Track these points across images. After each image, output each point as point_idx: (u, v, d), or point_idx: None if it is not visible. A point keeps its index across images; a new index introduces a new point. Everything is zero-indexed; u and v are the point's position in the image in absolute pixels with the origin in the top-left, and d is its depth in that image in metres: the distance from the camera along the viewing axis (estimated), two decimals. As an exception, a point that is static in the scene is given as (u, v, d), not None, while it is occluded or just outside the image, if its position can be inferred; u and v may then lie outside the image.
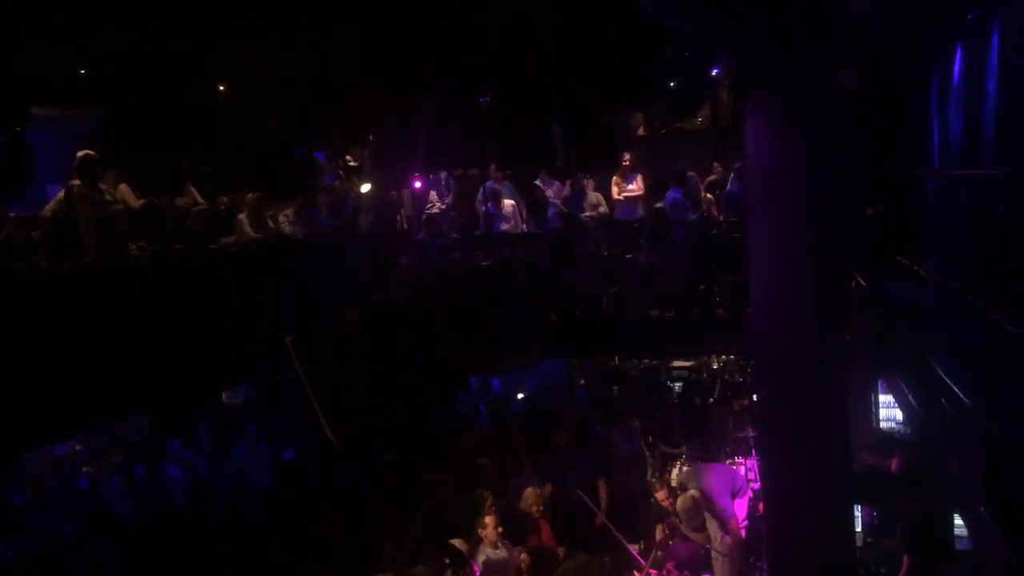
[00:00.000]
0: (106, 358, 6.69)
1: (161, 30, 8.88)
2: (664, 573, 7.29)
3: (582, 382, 13.72)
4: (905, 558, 6.19)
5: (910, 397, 5.06)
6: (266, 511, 9.29)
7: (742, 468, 8.30)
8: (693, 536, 7.72)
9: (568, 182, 11.70)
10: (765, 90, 5.32)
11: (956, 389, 3.91)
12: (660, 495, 8.01)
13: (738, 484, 7.93)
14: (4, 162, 6.66)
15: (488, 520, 7.19)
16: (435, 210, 12.35)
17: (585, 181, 11.43)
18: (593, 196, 11.39)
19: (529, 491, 7.91)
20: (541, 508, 7.84)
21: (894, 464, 6.89)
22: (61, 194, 7.55)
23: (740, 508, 7.82)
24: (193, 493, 10.07)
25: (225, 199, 9.72)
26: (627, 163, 11.41)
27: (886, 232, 7.47)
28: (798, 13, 5.05)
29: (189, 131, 10.30)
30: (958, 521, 6.08)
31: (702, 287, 9.58)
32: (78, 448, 11.14)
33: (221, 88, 11.06)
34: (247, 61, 10.36)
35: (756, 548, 7.43)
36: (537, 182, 11.80)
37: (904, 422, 8.21)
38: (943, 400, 4.23)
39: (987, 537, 3.25)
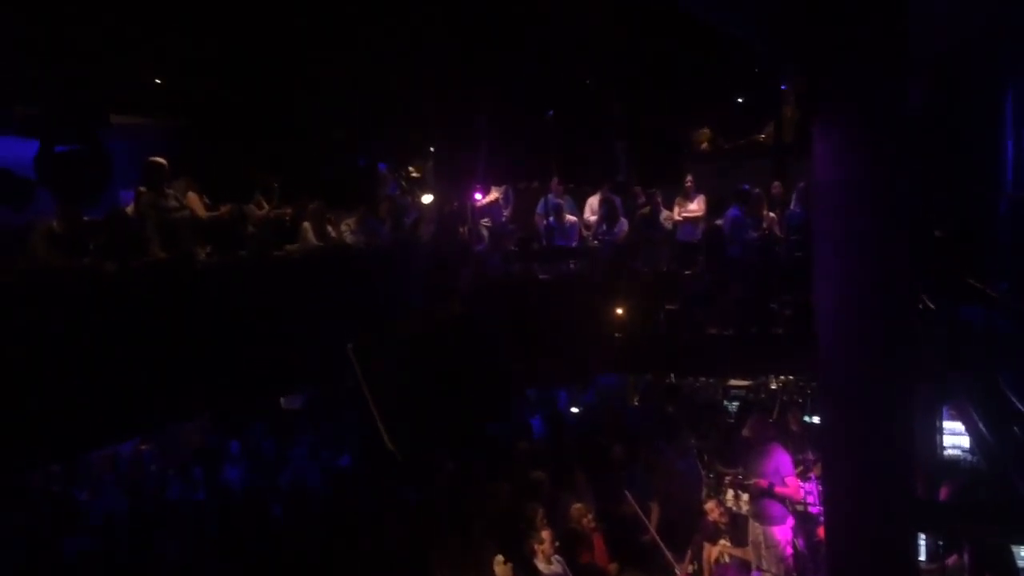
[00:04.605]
0: (169, 361, 6.82)
1: (234, 42, 9.08)
2: None
3: (636, 398, 13.62)
4: None
5: (979, 424, 4.92)
6: (321, 516, 9.40)
7: (802, 491, 8.15)
8: (737, 553, 7.64)
9: (639, 200, 11.56)
10: (835, 106, 5.24)
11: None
12: (710, 506, 7.93)
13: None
14: (83, 169, 6.88)
15: (545, 535, 7.17)
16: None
17: (657, 199, 11.28)
18: (665, 212, 11.28)
19: (575, 507, 7.87)
20: (592, 523, 7.78)
21: (942, 493, 6.72)
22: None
23: (783, 533, 7.70)
24: (251, 496, 10.25)
25: (289, 208, 9.89)
26: (689, 184, 11.28)
27: (955, 254, 7.29)
28: (872, 27, 4.97)
29: (260, 141, 10.47)
30: None
31: (762, 306, 9.44)
32: (142, 448, 11.43)
33: (292, 98, 11.23)
34: (317, 72, 10.54)
35: (810, 572, 7.31)
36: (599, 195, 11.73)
37: (970, 449, 7.99)
38: (1015, 428, 4.11)
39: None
